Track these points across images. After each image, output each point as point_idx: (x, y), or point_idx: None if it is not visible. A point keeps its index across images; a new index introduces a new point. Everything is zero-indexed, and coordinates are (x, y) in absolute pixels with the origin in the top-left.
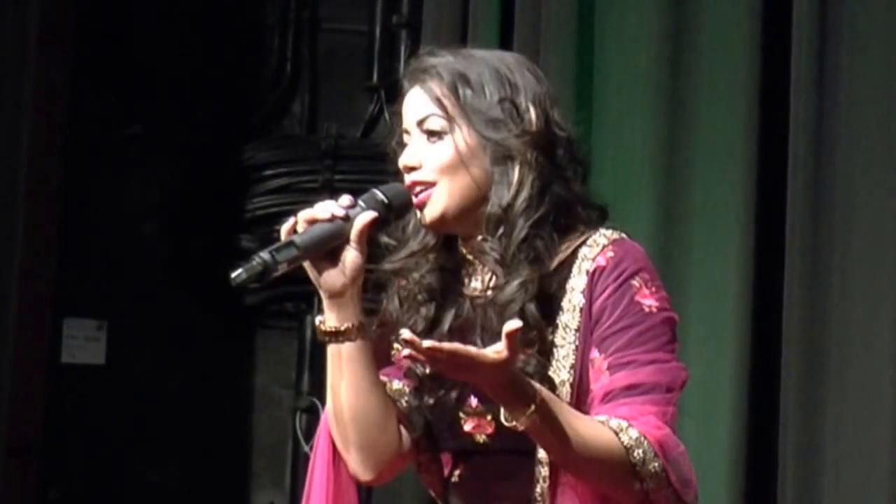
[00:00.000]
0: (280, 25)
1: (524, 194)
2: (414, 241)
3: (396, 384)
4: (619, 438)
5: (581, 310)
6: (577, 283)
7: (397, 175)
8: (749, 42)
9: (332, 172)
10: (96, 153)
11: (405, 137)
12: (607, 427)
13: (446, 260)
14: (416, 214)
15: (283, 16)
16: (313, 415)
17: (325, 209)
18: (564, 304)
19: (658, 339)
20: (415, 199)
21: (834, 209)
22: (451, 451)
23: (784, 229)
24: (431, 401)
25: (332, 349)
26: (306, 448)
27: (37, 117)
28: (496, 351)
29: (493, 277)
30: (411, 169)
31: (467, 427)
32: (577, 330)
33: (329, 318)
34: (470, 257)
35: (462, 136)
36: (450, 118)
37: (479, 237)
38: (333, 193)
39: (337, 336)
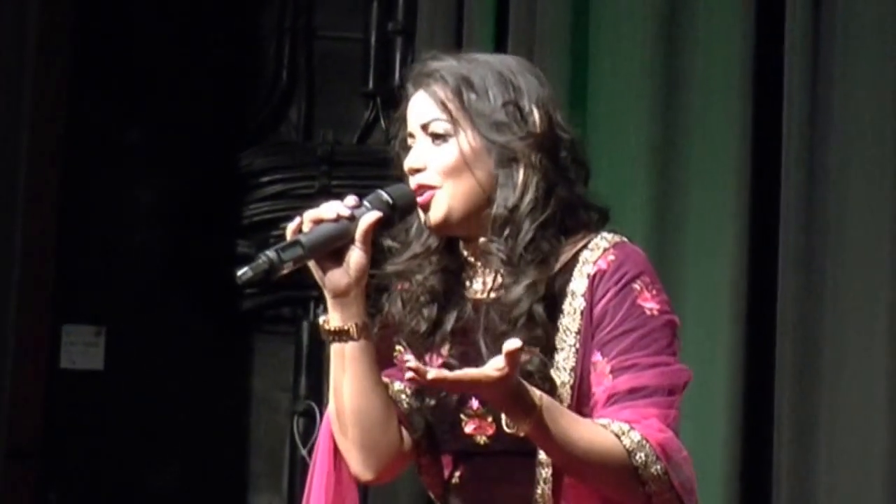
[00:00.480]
0: (276, 33)
1: (530, 196)
2: (416, 244)
3: (398, 385)
4: (621, 442)
5: (582, 313)
6: (577, 287)
7: (395, 180)
8: (743, 44)
9: (329, 178)
10: (95, 160)
11: (409, 141)
12: (609, 431)
13: (448, 262)
14: (419, 217)
15: (279, 24)
16: (311, 418)
17: (331, 209)
18: (565, 306)
19: (660, 342)
20: (419, 201)
21: (827, 210)
22: (452, 453)
23: (778, 231)
24: (433, 402)
25: (335, 349)
26: (304, 451)
27: (36, 124)
28: (497, 368)
29: (497, 278)
30: (416, 171)
31: (468, 429)
32: (577, 332)
33: (333, 318)
34: (472, 259)
35: (466, 139)
36: (454, 121)
37: (483, 239)
38: (330, 199)
39: (340, 335)
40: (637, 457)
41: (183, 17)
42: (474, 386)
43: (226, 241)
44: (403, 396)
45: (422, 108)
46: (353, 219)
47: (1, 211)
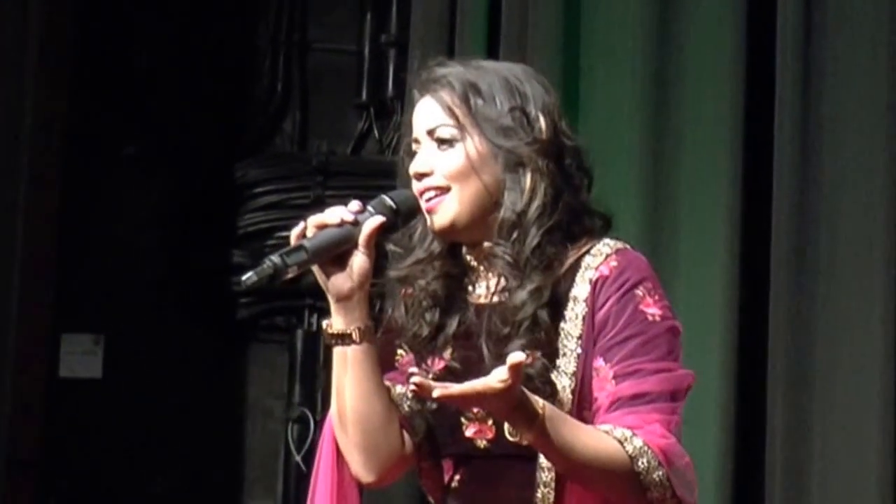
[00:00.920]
0: (271, 46)
1: (538, 201)
2: (420, 250)
3: (399, 389)
4: (624, 448)
5: (583, 318)
6: (579, 292)
7: (389, 190)
8: (734, 46)
9: (323, 189)
10: (94, 171)
11: (414, 147)
12: (612, 437)
13: (451, 267)
14: (422, 222)
15: (274, 36)
16: (305, 425)
17: (335, 214)
18: (567, 311)
19: (662, 347)
20: (425, 206)
21: (819, 212)
22: (452, 457)
23: (770, 235)
24: (434, 406)
25: (337, 352)
26: (298, 458)
27: (37, 136)
28: (501, 379)
29: (500, 282)
30: (422, 176)
31: (468, 432)
32: (578, 338)
33: (336, 322)
34: (474, 264)
35: (473, 144)
36: (461, 126)
37: (487, 243)
38: (324, 209)
39: (343, 339)
40: (639, 463)
41: (180, 30)
42: (479, 399)
43: (222, 251)
44: (405, 400)
45: (428, 113)
46: (356, 224)
47: (2, 221)
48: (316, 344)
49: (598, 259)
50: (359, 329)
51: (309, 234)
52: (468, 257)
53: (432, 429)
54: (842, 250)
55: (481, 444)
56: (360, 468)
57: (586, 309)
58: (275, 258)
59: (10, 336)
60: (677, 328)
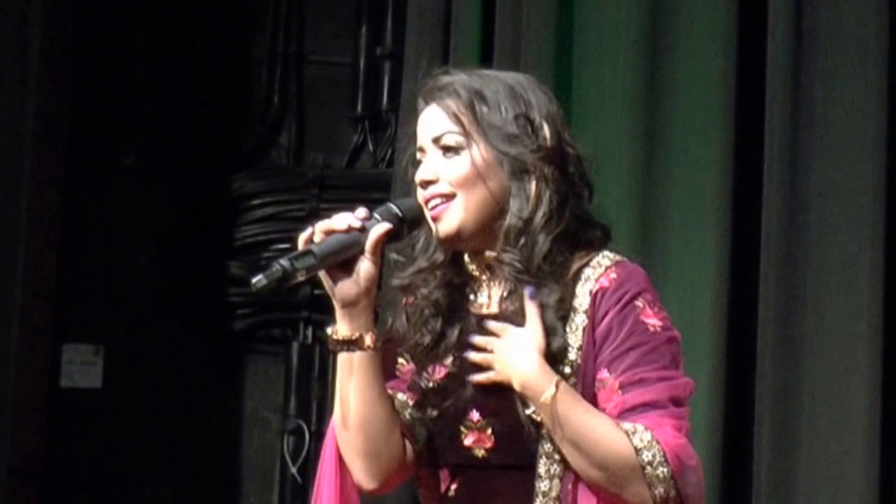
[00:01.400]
0: (267, 59)
1: (544, 208)
2: (422, 259)
3: (401, 397)
4: (631, 439)
5: (583, 329)
6: (579, 303)
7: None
8: (726, 60)
9: (319, 201)
10: (93, 184)
11: (419, 155)
12: (621, 428)
13: (453, 276)
14: (425, 232)
15: (270, 50)
16: (300, 437)
17: (342, 220)
18: (567, 323)
19: (665, 357)
20: (430, 214)
21: (808, 228)
22: (450, 466)
23: (759, 249)
24: (435, 412)
25: (342, 358)
26: (294, 470)
27: (37, 149)
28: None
29: (504, 291)
30: (428, 183)
31: (467, 441)
32: (578, 349)
33: (341, 328)
34: (477, 273)
35: (479, 151)
36: (467, 133)
37: (490, 252)
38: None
39: (348, 345)
40: (644, 455)
41: (179, 47)
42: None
43: (218, 263)
44: (406, 408)
45: (434, 120)
46: (363, 230)
47: (4, 233)
48: (312, 356)
49: (597, 271)
50: (364, 335)
51: (316, 239)
52: (471, 266)
53: (432, 436)
54: (830, 265)
55: (479, 453)
56: (362, 475)
57: (586, 321)
58: (283, 262)
59: (12, 346)
60: (677, 338)
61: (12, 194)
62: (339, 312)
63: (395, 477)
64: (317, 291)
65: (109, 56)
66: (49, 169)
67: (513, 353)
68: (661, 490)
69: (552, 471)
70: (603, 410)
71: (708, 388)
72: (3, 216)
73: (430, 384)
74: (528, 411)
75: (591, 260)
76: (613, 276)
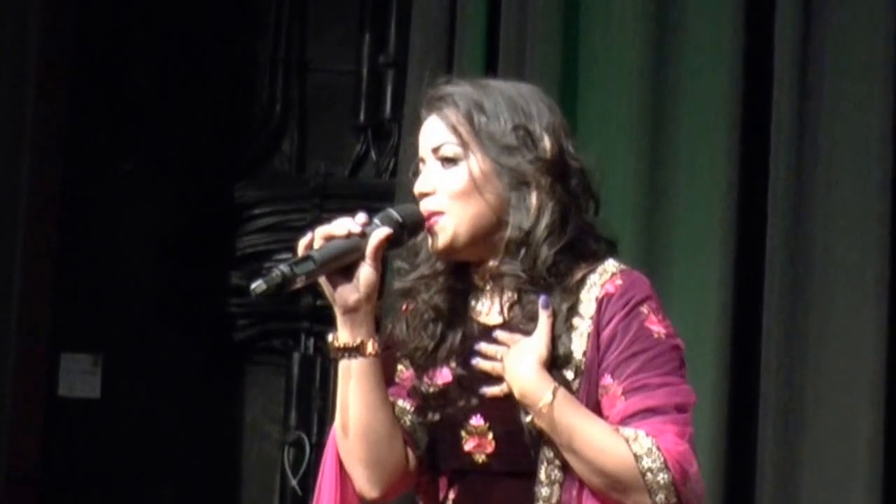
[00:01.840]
0: (270, 66)
1: (546, 220)
2: (424, 266)
3: (401, 403)
4: (630, 446)
5: (588, 335)
6: (584, 310)
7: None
8: (732, 74)
9: (321, 211)
10: (92, 192)
11: (420, 166)
12: (620, 435)
13: (455, 283)
14: (427, 239)
15: (272, 56)
16: (301, 449)
17: (342, 226)
18: (573, 329)
19: (669, 364)
20: (426, 225)
21: (814, 211)
22: (450, 472)
23: (764, 263)
24: (436, 417)
25: (343, 365)
26: (294, 482)
27: (35, 157)
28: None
29: (510, 300)
30: (425, 195)
31: (468, 446)
32: (583, 354)
33: (342, 334)
34: (480, 283)
35: (477, 162)
36: (464, 144)
37: (492, 262)
38: None
39: (349, 352)
40: (644, 462)
41: (179, 50)
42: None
43: (219, 273)
44: (407, 414)
45: (433, 131)
46: (363, 236)
47: (2, 241)
48: (312, 367)
49: (603, 277)
50: (365, 341)
51: (316, 244)
52: (474, 276)
53: (433, 442)
54: (836, 246)
55: (480, 458)
56: (365, 483)
57: (591, 326)
58: (283, 267)
59: (10, 355)
60: (680, 346)
61: (10, 201)
62: (339, 319)
63: (398, 485)
64: (319, 302)
65: (109, 61)
66: (47, 176)
67: (513, 361)
68: (662, 497)
69: (553, 476)
70: (606, 417)
71: (711, 398)
72: (1, 224)
73: (431, 389)
74: (527, 418)
75: (595, 268)
76: (619, 282)
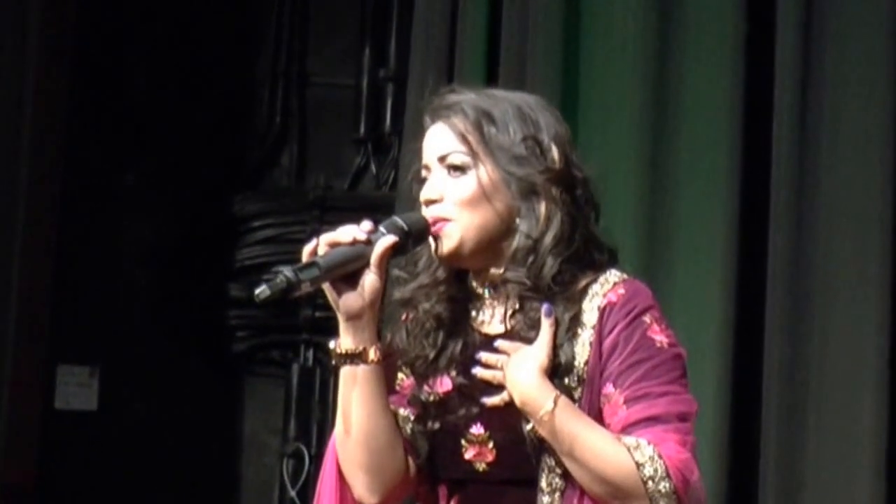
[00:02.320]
0: (270, 79)
1: (554, 230)
2: (424, 275)
3: (402, 412)
4: (632, 454)
5: (590, 344)
6: (587, 318)
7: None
8: (733, 77)
9: (320, 223)
10: (91, 203)
11: (423, 173)
12: (622, 443)
13: (455, 292)
14: (428, 248)
15: (272, 70)
16: (300, 460)
17: (347, 233)
18: (575, 338)
19: (671, 372)
20: (432, 231)
21: (816, 213)
22: (450, 481)
23: (767, 261)
24: (437, 425)
25: (344, 372)
26: (293, 493)
27: (34, 168)
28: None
29: (512, 308)
30: (432, 202)
31: (468, 455)
32: (585, 363)
33: (345, 341)
34: (480, 291)
35: (486, 172)
36: (473, 153)
37: (495, 269)
38: None
39: (352, 358)
40: (646, 470)
41: (178, 63)
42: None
43: (218, 285)
44: (407, 422)
45: (441, 139)
46: (368, 243)
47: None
48: (312, 379)
49: (605, 287)
50: (368, 348)
51: (321, 251)
52: (474, 284)
53: (433, 451)
54: (837, 287)
55: (480, 467)
56: (365, 490)
57: (593, 335)
58: (288, 273)
59: (6, 367)
60: (683, 355)
61: (8, 213)
62: (342, 325)
63: (398, 492)
64: (318, 314)
65: (108, 72)
66: (46, 187)
67: (513, 369)
68: None
69: (554, 485)
70: (608, 425)
71: (714, 409)
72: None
73: (431, 398)
74: (528, 427)
75: (598, 277)
76: (622, 291)
